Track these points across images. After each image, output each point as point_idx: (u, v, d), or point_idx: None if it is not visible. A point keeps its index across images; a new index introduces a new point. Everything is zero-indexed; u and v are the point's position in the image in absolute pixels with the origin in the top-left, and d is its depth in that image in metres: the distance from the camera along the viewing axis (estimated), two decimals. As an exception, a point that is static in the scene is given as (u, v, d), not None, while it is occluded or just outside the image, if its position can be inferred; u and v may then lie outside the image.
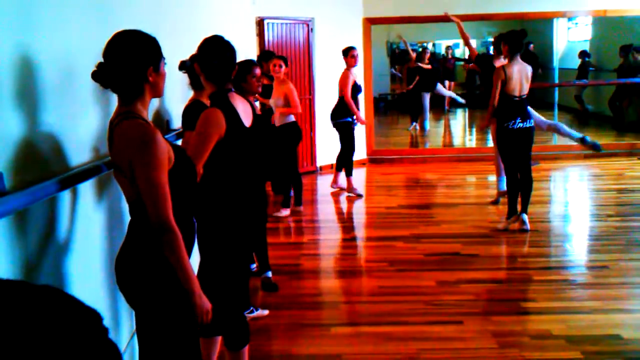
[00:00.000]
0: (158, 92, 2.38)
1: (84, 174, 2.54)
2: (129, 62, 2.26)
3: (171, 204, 2.22)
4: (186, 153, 2.53)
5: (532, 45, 13.86)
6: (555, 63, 12.65)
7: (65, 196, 2.57)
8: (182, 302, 2.31)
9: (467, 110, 16.15)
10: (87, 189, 2.79)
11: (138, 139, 2.20)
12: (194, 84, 3.90)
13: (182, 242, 2.23)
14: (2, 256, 2.06)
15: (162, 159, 2.21)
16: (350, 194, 7.82)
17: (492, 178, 8.95)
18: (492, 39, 8.09)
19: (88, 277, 2.79)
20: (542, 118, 7.20)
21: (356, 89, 7.65)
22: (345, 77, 7.56)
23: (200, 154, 2.93)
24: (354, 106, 7.59)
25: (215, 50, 3.00)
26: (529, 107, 6.44)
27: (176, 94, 4.27)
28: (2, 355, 0.55)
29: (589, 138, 6.96)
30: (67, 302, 0.63)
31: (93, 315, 0.64)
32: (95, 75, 2.27)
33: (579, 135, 7.00)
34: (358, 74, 8.10)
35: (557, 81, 12.38)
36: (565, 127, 7.18)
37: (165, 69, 2.38)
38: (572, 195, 8.29)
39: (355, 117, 7.65)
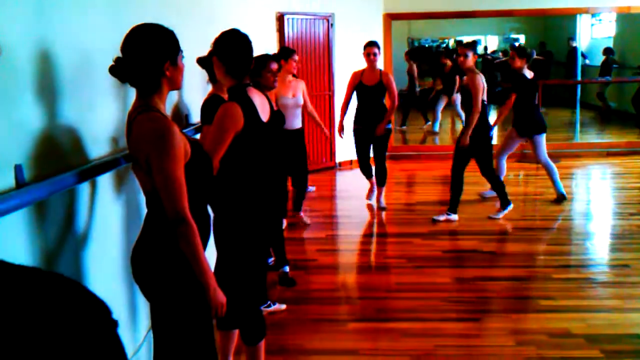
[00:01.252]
0: (176, 85, 2.39)
1: (102, 166, 2.57)
2: (146, 56, 2.27)
3: (187, 197, 2.23)
4: (203, 147, 2.53)
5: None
6: (579, 60, 12.51)
7: (84, 188, 2.59)
8: (198, 295, 2.32)
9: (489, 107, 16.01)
10: (105, 181, 2.81)
11: (155, 132, 2.21)
12: (213, 78, 3.90)
13: (197, 235, 2.24)
14: (22, 247, 2.09)
15: (179, 152, 2.22)
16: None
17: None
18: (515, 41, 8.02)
19: (106, 269, 2.82)
20: None
21: (363, 91, 6.72)
22: (350, 79, 6.89)
23: (218, 147, 2.92)
24: (342, 111, 6.90)
25: (235, 44, 2.99)
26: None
27: (195, 88, 4.29)
28: (3, 341, 0.53)
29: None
30: (75, 291, 0.62)
31: (101, 307, 0.63)
32: (113, 70, 2.29)
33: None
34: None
35: (579, 78, 12.24)
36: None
37: (183, 62, 2.38)
38: (593, 193, 8.20)
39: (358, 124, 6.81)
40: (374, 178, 7.07)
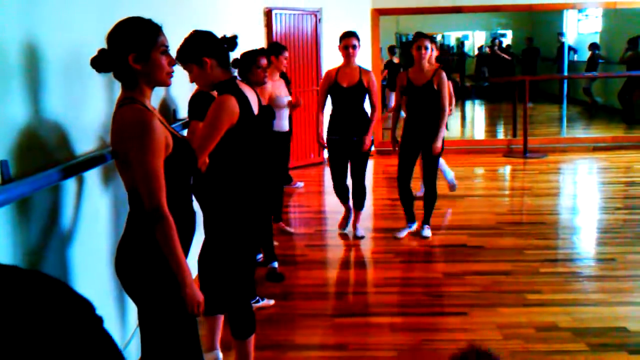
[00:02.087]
0: (155, 82, 2.30)
1: (88, 162, 2.55)
2: (111, 47, 2.24)
3: (166, 192, 2.19)
4: (187, 142, 2.49)
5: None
6: (565, 55, 12.57)
7: (70, 185, 2.57)
8: (180, 292, 2.29)
9: (475, 102, 16.10)
10: (92, 177, 2.80)
11: (133, 124, 2.18)
12: None
13: (174, 231, 2.20)
14: (5, 243, 2.07)
15: (158, 145, 2.18)
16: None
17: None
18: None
19: (93, 266, 2.81)
20: None
21: (339, 93, 5.49)
22: (322, 80, 5.75)
23: (209, 141, 2.88)
24: (317, 121, 5.71)
25: (213, 37, 2.97)
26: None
27: (182, 83, 4.26)
28: None
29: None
30: (57, 289, 0.60)
31: (84, 304, 0.61)
32: (92, 61, 2.26)
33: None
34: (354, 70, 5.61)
35: (566, 73, 12.31)
36: None
37: (166, 58, 2.28)
38: (580, 188, 8.25)
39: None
40: (350, 202, 5.85)
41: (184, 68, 3.06)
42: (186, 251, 2.37)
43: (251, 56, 4.03)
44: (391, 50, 12.86)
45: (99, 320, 0.62)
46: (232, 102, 2.90)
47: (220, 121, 2.89)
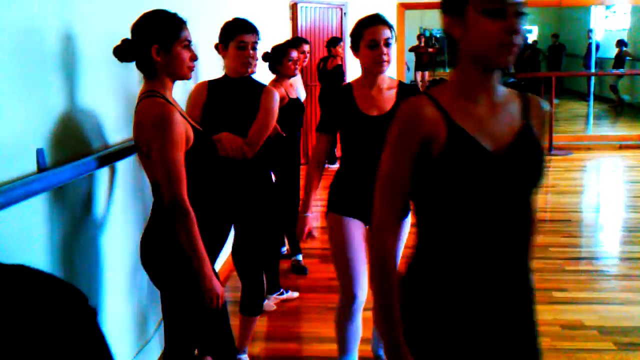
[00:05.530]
0: (175, 75, 2.31)
1: (122, 152, 2.58)
2: (135, 38, 2.26)
3: (186, 184, 2.20)
4: (208, 135, 2.49)
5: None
6: (592, 52, 12.43)
7: (103, 173, 2.60)
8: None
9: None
10: (124, 166, 2.82)
11: (154, 117, 2.20)
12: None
13: (194, 224, 2.20)
14: (39, 231, 2.10)
15: (178, 138, 2.19)
16: None
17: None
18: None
19: (124, 255, 2.83)
20: None
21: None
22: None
23: (266, 130, 3.01)
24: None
25: None
26: None
27: (212, 77, 4.29)
28: None
29: None
30: (48, 282, 0.58)
31: (77, 295, 0.59)
32: (115, 50, 2.28)
33: None
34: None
35: (593, 70, 12.17)
36: None
37: (189, 52, 2.30)
38: (605, 186, 8.16)
39: None
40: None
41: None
42: (209, 245, 2.37)
43: (282, 49, 4.06)
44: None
45: (93, 311, 0.60)
46: (278, 95, 3.10)
47: (274, 110, 3.04)
